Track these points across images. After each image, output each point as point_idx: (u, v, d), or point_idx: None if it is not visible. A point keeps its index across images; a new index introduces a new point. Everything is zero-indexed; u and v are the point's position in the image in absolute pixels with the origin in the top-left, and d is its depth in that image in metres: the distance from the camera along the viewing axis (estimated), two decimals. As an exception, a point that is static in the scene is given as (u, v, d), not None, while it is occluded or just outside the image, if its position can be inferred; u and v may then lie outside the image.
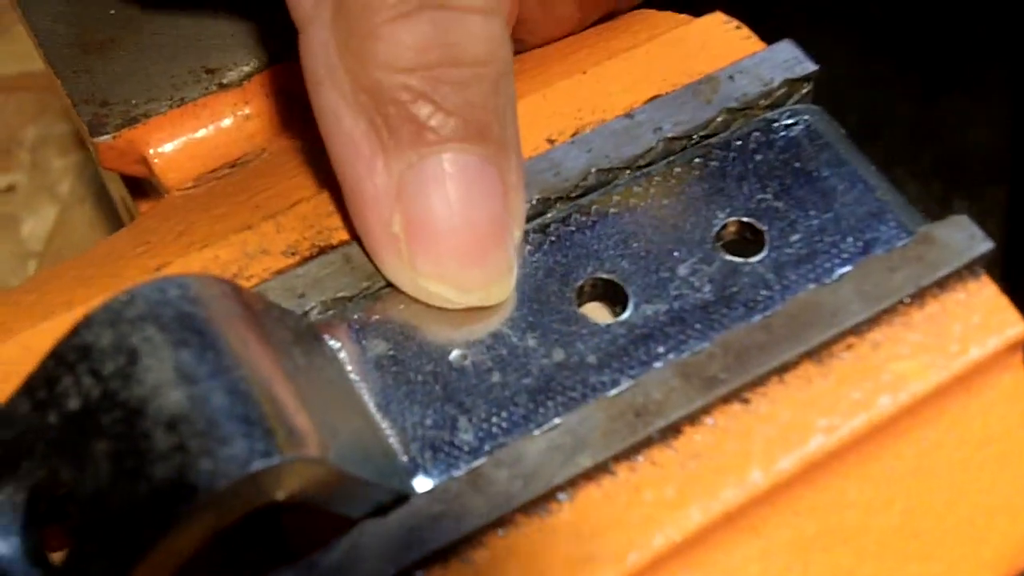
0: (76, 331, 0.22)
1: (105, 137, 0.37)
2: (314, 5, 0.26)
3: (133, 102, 0.37)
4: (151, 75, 0.38)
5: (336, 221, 0.28)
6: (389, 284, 0.27)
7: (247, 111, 0.37)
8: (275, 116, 0.37)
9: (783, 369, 0.25)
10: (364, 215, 0.26)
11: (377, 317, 0.26)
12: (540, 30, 0.37)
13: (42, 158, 0.72)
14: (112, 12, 0.40)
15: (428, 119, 0.25)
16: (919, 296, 0.26)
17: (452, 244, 0.25)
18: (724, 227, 0.27)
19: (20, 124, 0.74)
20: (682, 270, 0.27)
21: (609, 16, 0.38)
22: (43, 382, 0.22)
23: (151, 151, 0.37)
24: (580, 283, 0.27)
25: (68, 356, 0.22)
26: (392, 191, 0.25)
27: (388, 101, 0.25)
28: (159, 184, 0.38)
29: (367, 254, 0.27)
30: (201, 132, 0.37)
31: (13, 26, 0.78)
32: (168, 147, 0.37)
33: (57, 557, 0.25)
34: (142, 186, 0.42)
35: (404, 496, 0.24)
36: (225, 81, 0.38)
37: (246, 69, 0.38)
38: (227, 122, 0.38)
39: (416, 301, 0.26)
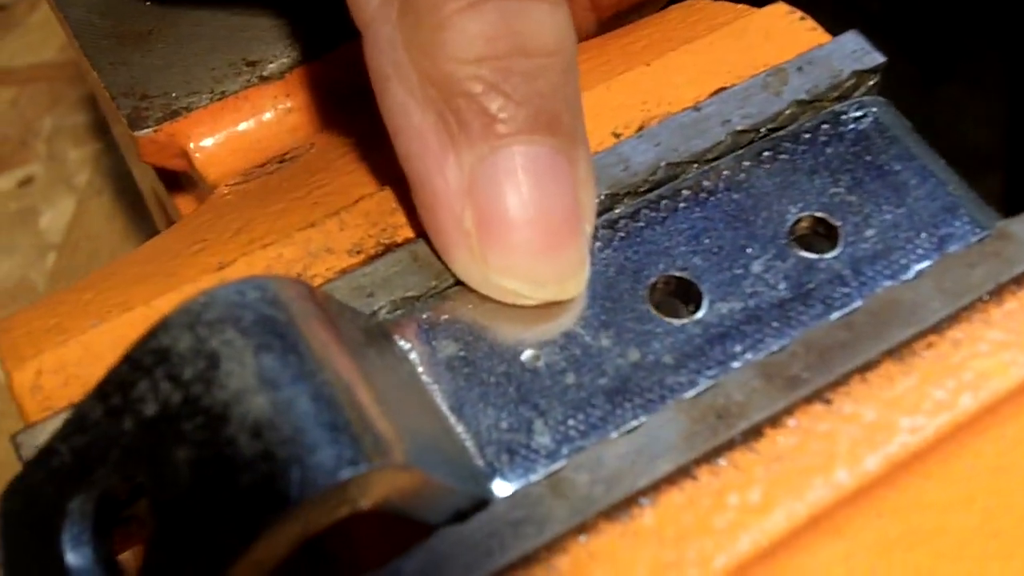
0: (152, 334, 0.21)
1: (146, 131, 0.36)
2: (380, 4, 0.26)
3: (173, 95, 0.37)
4: (191, 67, 0.37)
5: (400, 218, 0.27)
6: (458, 282, 0.26)
7: (288, 104, 0.37)
8: (317, 110, 0.37)
9: (865, 368, 0.25)
10: (435, 211, 0.26)
11: (446, 317, 0.26)
12: None
13: (58, 149, 0.71)
14: (148, 3, 0.39)
15: (499, 111, 0.25)
16: (997, 293, 0.26)
17: (525, 238, 0.25)
18: (797, 222, 0.27)
19: (35, 115, 0.73)
20: (756, 267, 0.26)
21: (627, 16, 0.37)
22: (117, 387, 0.22)
23: (192, 145, 0.37)
24: (653, 280, 0.26)
25: (144, 360, 0.21)
26: (463, 186, 0.25)
27: (458, 93, 0.25)
28: (199, 179, 0.37)
29: (435, 252, 0.26)
30: (242, 126, 0.37)
31: (25, 19, 0.78)
32: (209, 141, 0.37)
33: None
34: (177, 179, 0.42)
35: (483, 501, 0.23)
36: (266, 74, 0.37)
37: (287, 61, 0.37)
38: (268, 115, 0.37)
39: (486, 300, 0.26)
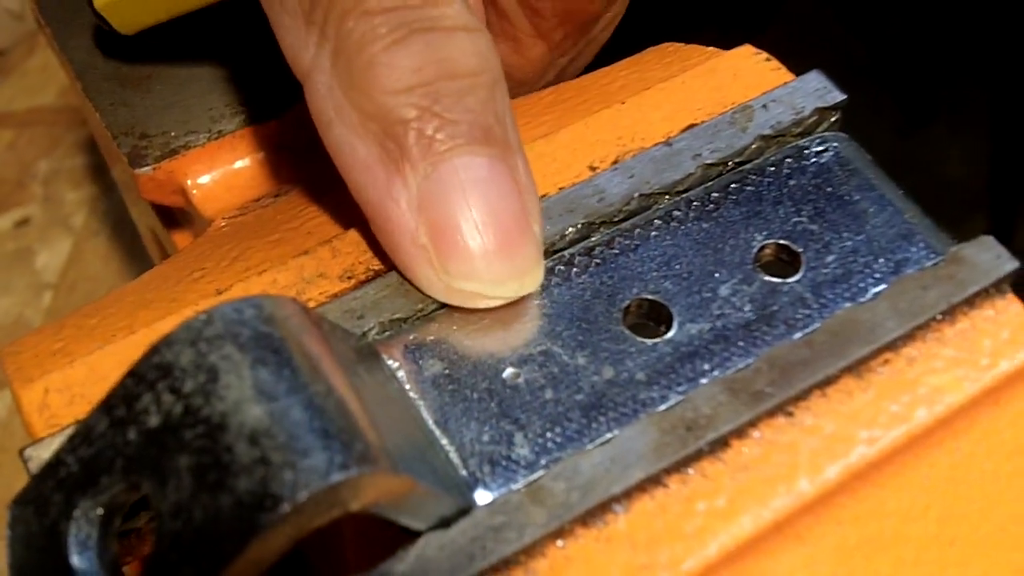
0: (155, 350, 0.23)
1: (145, 168, 0.38)
2: (313, 55, 0.28)
3: (172, 134, 0.38)
4: (189, 108, 0.39)
5: (389, 246, 0.29)
6: (443, 305, 0.28)
7: (284, 143, 0.39)
8: (310, 147, 0.38)
9: (825, 383, 0.26)
10: (391, 234, 0.27)
11: (432, 337, 0.27)
12: (512, 72, 0.38)
13: (55, 191, 0.73)
14: (148, 46, 0.41)
15: (435, 131, 0.27)
16: (950, 313, 0.27)
17: (478, 243, 0.27)
18: (762, 249, 0.28)
19: (32, 158, 0.75)
20: (723, 290, 0.28)
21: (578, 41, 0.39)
22: (121, 400, 0.23)
23: (189, 182, 0.38)
24: (626, 303, 0.28)
25: (148, 375, 0.23)
26: (414, 206, 0.27)
27: (395, 122, 0.27)
28: (197, 214, 0.39)
29: (400, 272, 0.28)
30: (239, 164, 0.38)
31: (22, 63, 0.80)
32: (206, 178, 0.38)
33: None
34: (174, 217, 0.43)
35: (466, 509, 0.25)
36: (262, 114, 0.39)
37: (281, 102, 0.39)
38: (264, 154, 0.39)
39: (469, 322, 0.27)
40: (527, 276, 0.27)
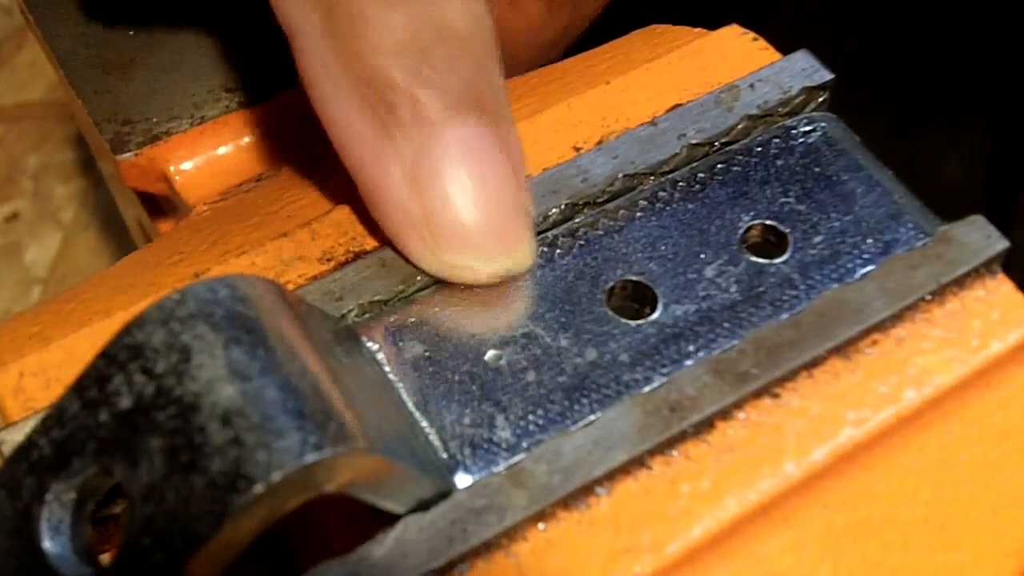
0: (127, 331, 0.22)
1: (127, 155, 0.37)
2: (305, 12, 0.27)
3: (154, 120, 0.38)
4: (172, 94, 0.39)
5: (370, 227, 0.28)
6: (424, 287, 0.27)
7: (266, 129, 0.38)
8: (292, 134, 0.38)
9: (812, 364, 0.26)
10: (384, 206, 0.27)
11: (413, 319, 0.27)
12: (510, 32, 0.38)
13: (44, 186, 0.73)
14: (131, 33, 0.40)
15: (428, 99, 0.26)
16: (940, 293, 0.27)
17: (472, 219, 0.26)
18: (748, 230, 0.28)
19: (22, 153, 0.74)
20: (709, 272, 0.27)
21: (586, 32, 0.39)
22: (93, 381, 0.22)
23: (172, 168, 0.38)
24: (610, 285, 0.27)
25: (120, 355, 0.22)
26: (407, 178, 0.26)
27: (386, 85, 0.26)
28: (180, 201, 0.38)
29: (391, 246, 0.27)
30: (221, 150, 0.38)
31: (11, 58, 0.79)
32: (189, 164, 0.38)
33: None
34: (159, 205, 0.43)
35: (446, 492, 0.24)
36: (245, 100, 0.38)
37: (264, 89, 0.39)
38: (247, 140, 0.38)
39: (451, 304, 0.27)
40: (520, 251, 0.27)
